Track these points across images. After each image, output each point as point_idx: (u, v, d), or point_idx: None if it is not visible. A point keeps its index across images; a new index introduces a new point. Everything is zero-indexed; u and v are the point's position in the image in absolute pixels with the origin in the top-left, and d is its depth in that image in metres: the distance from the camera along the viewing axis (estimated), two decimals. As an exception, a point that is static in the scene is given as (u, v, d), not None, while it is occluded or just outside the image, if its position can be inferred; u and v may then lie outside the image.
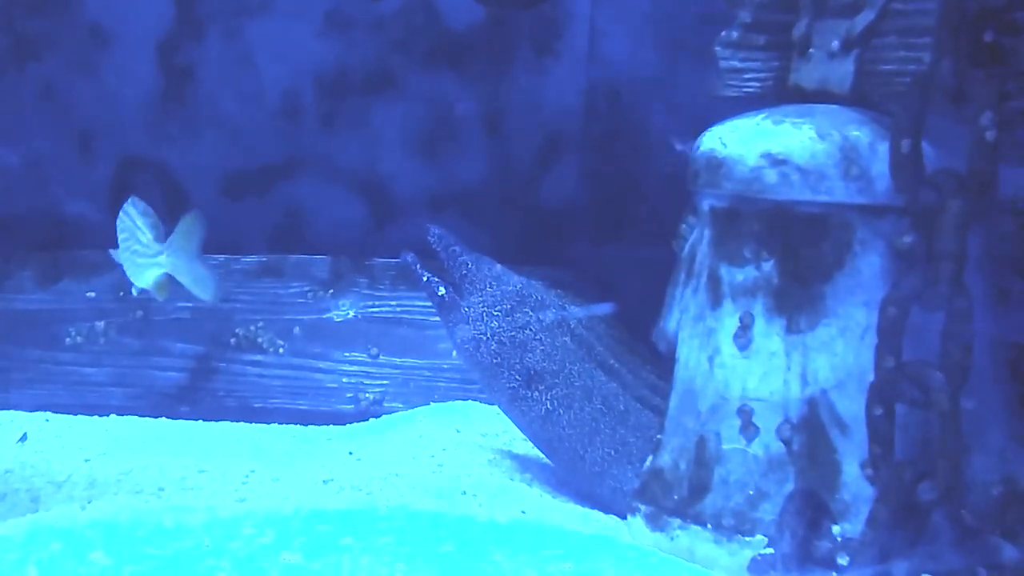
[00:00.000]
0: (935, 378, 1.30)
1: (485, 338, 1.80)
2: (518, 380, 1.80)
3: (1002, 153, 1.31)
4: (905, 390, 1.33)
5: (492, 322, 1.80)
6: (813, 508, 1.38)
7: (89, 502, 1.65)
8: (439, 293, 1.84)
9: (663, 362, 1.74)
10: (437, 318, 1.95)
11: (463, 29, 2.39)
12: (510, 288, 1.83)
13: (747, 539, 1.44)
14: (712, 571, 1.45)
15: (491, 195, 2.43)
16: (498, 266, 1.87)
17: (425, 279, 1.84)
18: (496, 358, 1.80)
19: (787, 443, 1.46)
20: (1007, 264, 1.48)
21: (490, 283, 1.83)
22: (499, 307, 1.81)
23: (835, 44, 1.51)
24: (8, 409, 2.19)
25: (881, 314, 1.34)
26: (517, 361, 1.79)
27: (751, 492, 1.46)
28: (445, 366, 2.24)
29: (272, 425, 2.21)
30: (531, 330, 1.81)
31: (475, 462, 1.94)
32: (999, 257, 1.46)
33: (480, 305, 1.81)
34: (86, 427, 2.13)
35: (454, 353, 2.15)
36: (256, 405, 2.25)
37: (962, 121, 1.33)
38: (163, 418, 2.20)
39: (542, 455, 1.90)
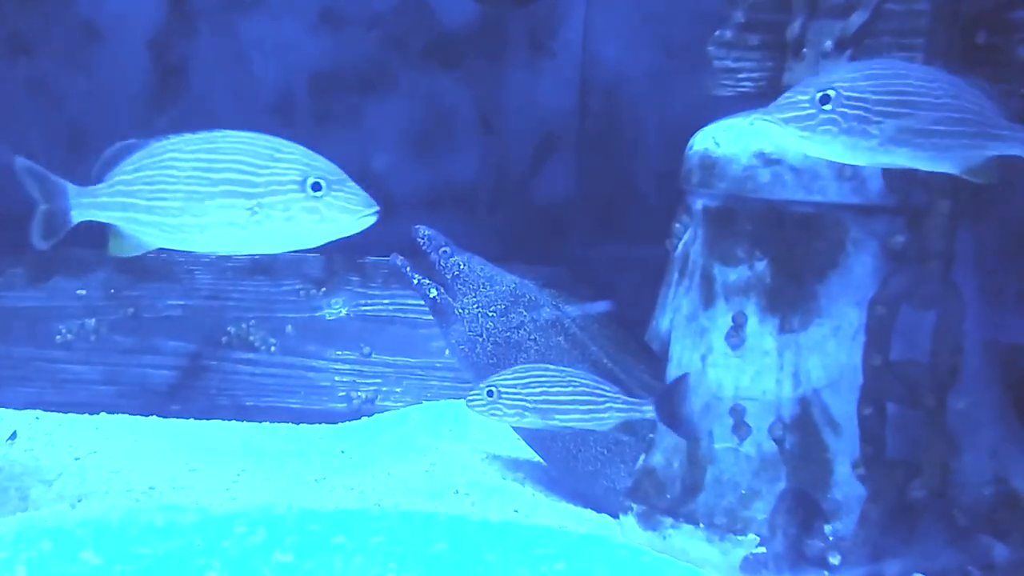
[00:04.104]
0: (921, 376, 1.31)
1: (479, 339, 1.80)
2: None
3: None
4: (892, 389, 1.33)
5: (486, 323, 1.80)
6: (805, 507, 1.38)
7: (79, 501, 1.64)
8: (431, 295, 1.84)
9: (656, 361, 1.74)
10: (430, 317, 1.94)
11: (457, 27, 2.39)
12: (503, 288, 1.83)
13: (739, 538, 1.45)
14: (704, 570, 1.45)
15: (485, 193, 2.43)
16: (490, 266, 1.86)
17: (416, 281, 1.84)
18: (490, 358, 1.80)
19: (779, 442, 1.46)
20: (1001, 264, 1.48)
21: (483, 283, 1.83)
22: (493, 307, 1.81)
23: (828, 44, 1.51)
24: (-2, 407, 2.18)
25: (869, 313, 1.35)
26: (511, 361, 1.79)
27: (743, 491, 1.47)
28: (438, 365, 2.24)
29: (264, 424, 2.20)
30: (525, 330, 1.81)
31: (468, 461, 1.94)
32: (993, 257, 1.47)
33: (474, 306, 1.81)
34: (77, 425, 2.12)
35: (447, 352, 2.14)
36: (248, 403, 2.24)
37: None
38: (154, 416, 2.19)
39: (535, 454, 1.90)
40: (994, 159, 1.13)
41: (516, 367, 1.50)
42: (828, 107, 1.05)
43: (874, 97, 1.06)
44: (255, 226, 1.11)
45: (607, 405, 1.42)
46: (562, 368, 1.47)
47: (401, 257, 1.85)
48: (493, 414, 1.43)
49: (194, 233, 1.12)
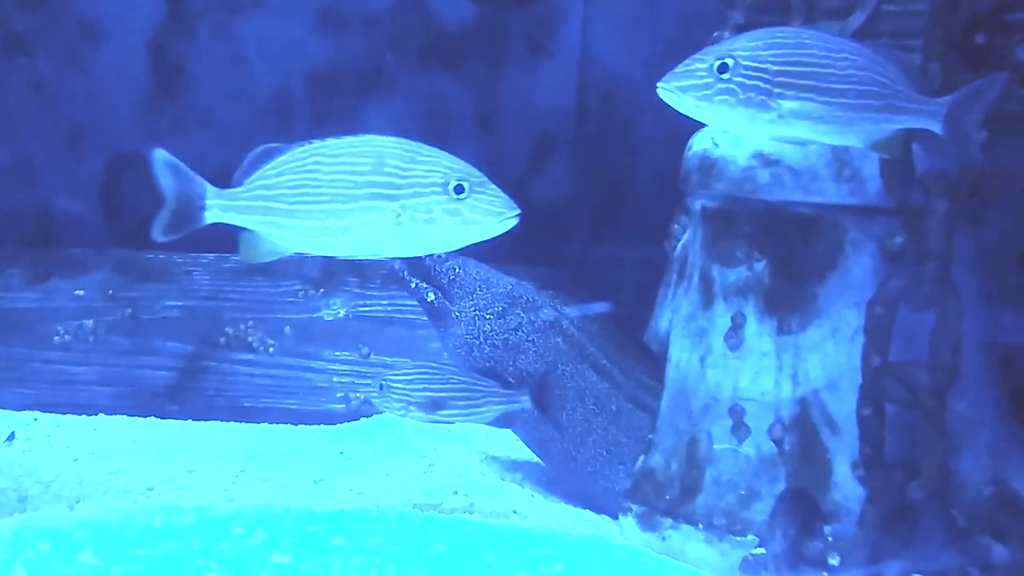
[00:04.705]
0: (920, 377, 1.31)
1: (477, 342, 1.80)
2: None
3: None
4: (891, 389, 1.33)
5: (484, 325, 1.80)
6: (804, 508, 1.38)
7: (77, 502, 1.64)
8: (429, 299, 1.84)
9: (655, 362, 1.74)
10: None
11: (456, 28, 2.39)
12: (500, 290, 1.83)
13: (738, 539, 1.45)
14: (703, 571, 1.45)
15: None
16: (485, 268, 1.86)
17: (414, 285, 1.84)
18: (488, 361, 1.80)
19: (778, 443, 1.46)
20: (1000, 264, 1.48)
21: (479, 286, 1.83)
22: (490, 310, 1.81)
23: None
24: (-4, 408, 2.18)
25: (868, 314, 1.35)
26: (509, 363, 1.79)
27: (742, 492, 1.47)
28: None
29: (262, 425, 2.20)
30: (523, 332, 1.81)
31: (466, 462, 1.94)
32: (992, 257, 1.47)
33: (471, 309, 1.81)
34: (74, 426, 2.12)
35: (446, 355, 2.14)
36: (246, 404, 2.24)
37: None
38: (152, 417, 2.19)
39: (534, 455, 1.90)
40: (902, 133, 1.11)
41: (407, 363, 1.61)
42: (726, 76, 1.02)
43: (775, 67, 1.03)
44: (397, 229, 1.10)
45: (484, 400, 1.55)
46: (445, 365, 1.59)
47: (399, 260, 1.86)
48: (384, 407, 1.54)
49: (335, 237, 1.12)
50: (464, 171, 1.12)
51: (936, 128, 1.13)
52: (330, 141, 1.14)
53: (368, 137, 1.15)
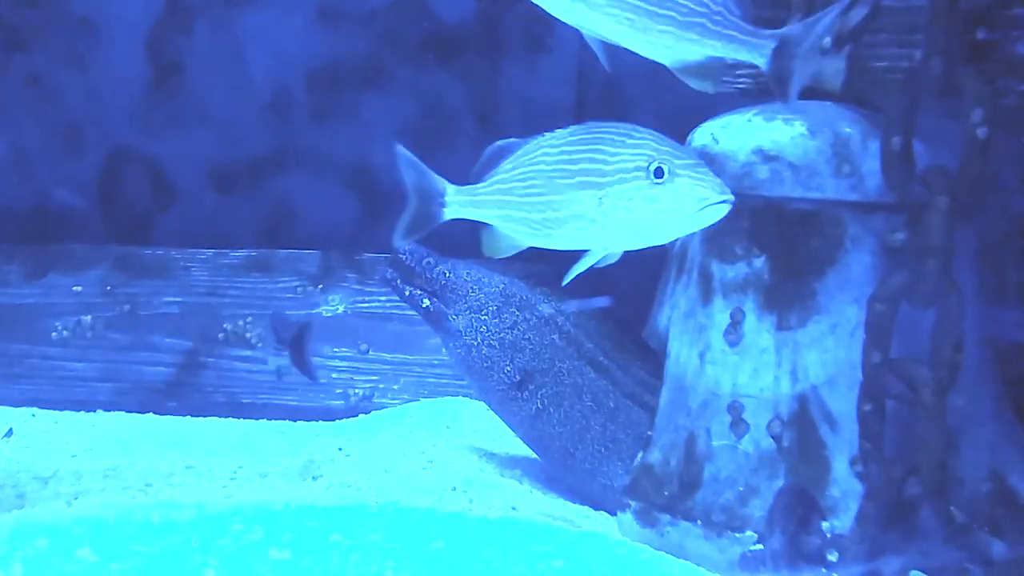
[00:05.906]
0: (921, 374, 1.31)
1: (475, 343, 1.80)
2: (508, 381, 1.80)
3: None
4: (892, 386, 1.33)
5: (479, 326, 1.80)
6: (803, 504, 1.38)
7: (76, 498, 1.64)
8: (424, 305, 1.84)
9: (654, 358, 1.74)
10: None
11: (454, 22, 2.38)
12: (492, 290, 1.83)
13: (737, 535, 1.45)
14: (702, 567, 1.45)
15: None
16: (476, 268, 1.86)
17: (408, 292, 1.84)
18: (486, 362, 1.80)
19: (777, 439, 1.46)
20: (1000, 260, 1.48)
21: (471, 288, 1.83)
22: (485, 311, 1.81)
23: (827, 40, 1.51)
24: (-6, 404, 2.17)
25: (869, 310, 1.35)
26: (507, 363, 1.79)
27: (741, 488, 1.47)
28: (435, 362, 2.24)
29: (261, 421, 2.20)
30: (519, 330, 1.81)
31: (465, 458, 1.94)
32: (992, 253, 1.47)
33: (466, 312, 1.81)
34: (73, 422, 2.12)
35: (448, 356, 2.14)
36: (244, 400, 2.24)
37: (953, 118, 1.33)
38: (151, 413, 2.19)
39: (532, 451, 1.90)
40: (716, 62, 1.04)
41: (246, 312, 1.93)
42: None
43: None
44: (603, 219, 1.05)
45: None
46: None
47: (391, 270, 1.85)
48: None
49: (554, 228, 1.08)
50: (669, 153, 1.03)
51: (760, 63, 1.09)
52: (559, 131, 1.10)
53: (592, 124, 1.09)
